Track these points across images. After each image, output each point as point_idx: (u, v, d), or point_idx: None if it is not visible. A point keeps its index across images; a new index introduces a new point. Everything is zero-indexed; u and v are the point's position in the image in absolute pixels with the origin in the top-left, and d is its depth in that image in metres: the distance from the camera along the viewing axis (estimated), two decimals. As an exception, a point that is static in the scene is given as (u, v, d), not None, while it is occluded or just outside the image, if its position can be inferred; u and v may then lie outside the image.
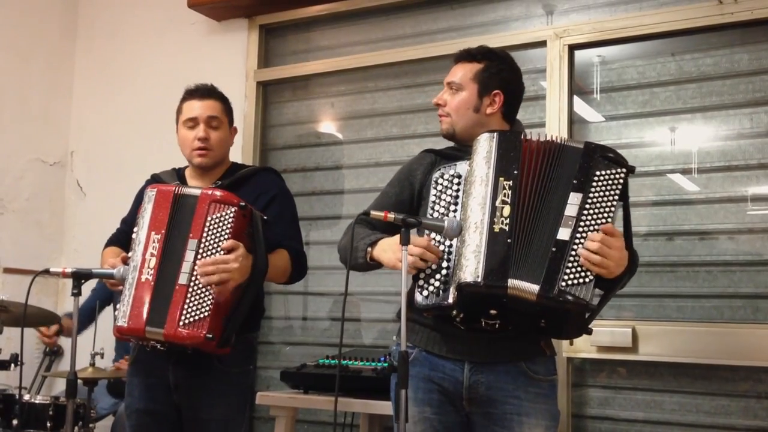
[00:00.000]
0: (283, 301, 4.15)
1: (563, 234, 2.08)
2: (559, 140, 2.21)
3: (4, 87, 4.61)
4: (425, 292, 2.12)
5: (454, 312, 2.12)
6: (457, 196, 2.19)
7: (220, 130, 2.74)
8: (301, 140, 4.27)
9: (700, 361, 3.12)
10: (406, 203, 2.37)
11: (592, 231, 2.09)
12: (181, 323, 2.38)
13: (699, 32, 3.32)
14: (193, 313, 2.38)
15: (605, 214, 2.12)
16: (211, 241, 2.42)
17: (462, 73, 2.39)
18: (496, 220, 2.09)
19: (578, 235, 2.09)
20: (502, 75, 2.40)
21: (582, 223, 2.10)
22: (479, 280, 2.04)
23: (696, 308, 3.22)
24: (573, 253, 2.07)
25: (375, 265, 2.27)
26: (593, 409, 3.35)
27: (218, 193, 2.48)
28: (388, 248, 2.20)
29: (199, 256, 2.41)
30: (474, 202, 2.13)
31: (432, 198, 2.21)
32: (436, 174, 2.24)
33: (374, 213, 2.12)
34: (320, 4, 4.15)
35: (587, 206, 2.11)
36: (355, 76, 4.12)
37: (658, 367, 3.23)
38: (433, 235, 2.17)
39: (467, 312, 2.13)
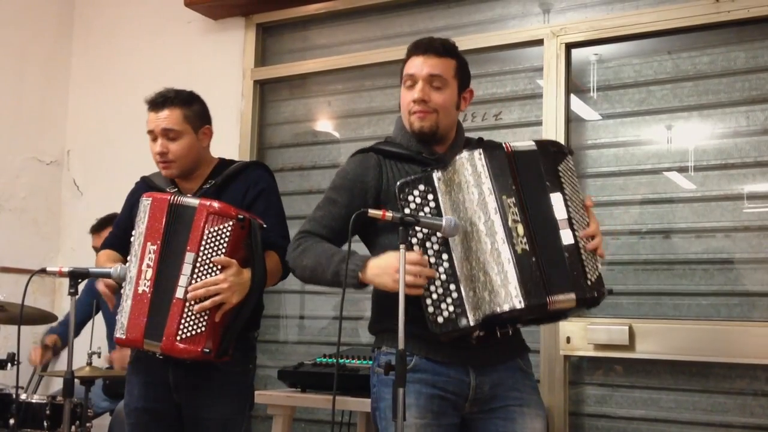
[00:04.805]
0: (280, 299, 4.15)
1: (567, 237, 2.11)
2: (512, 147, 2.18)
3: (0, 86, 4.61)
4: (440, 319, 2.12)
5: (476, 332, 2.16)
6: (437, 210, 2.17)
7: (180, 140, 2.62)
8: (298, 139, 4.27)
9: (696, 359, 3.13)
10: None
11: (584, 225, 2.16)
12: (178, 338, 2.40)
13: (695, 30, 3.32)
14: (190, 328, 2.40)
15: (582, 203, 2.20)
16: (208, 255, 2.41)
17: (443, 67, 2.31)
18: (515, 241, 2.07)
19: (577, 233, 2.13)
20: (469, 72, 2.40)
21: (574, 221, 2.14)
22: (521, 306, 2.03)
23: (692, 306, 3.23)
24: (582, 250, 2.11)
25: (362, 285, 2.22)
26: (590, 406, 3.36)
27: (216, 204, 2.43)
28: (382, 272, 2.14)
29: (196, 270, 2.41)
30: (483, 227, 2.10)
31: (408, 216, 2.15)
32: (399, 186, 2.18)
33: (372, 212, 2.08)
34: (317, 3, 4.14)
35: (569, 203, 2.15)
36: (352, 74, 4.12)
37: (655, 365, 3.23)
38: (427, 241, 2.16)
39: (488, 329, 2.18)
